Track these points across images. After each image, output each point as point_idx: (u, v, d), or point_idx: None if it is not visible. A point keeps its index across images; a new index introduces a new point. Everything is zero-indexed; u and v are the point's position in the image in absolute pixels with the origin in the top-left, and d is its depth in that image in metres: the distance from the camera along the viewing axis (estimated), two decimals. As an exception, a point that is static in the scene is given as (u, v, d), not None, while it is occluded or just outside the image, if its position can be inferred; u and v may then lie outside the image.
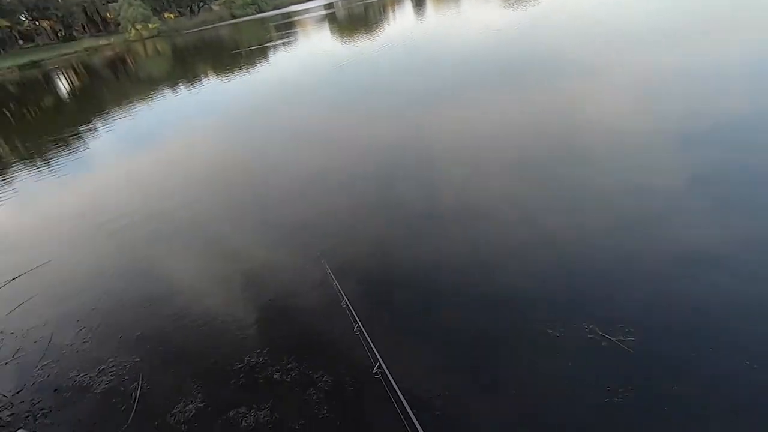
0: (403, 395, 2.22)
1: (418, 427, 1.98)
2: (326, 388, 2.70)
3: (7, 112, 19.90)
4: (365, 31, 21.46)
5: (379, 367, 2.41)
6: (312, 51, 19.09)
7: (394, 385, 2.29)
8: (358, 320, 2.83)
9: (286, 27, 33.27)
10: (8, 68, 41.69)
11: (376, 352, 2.54)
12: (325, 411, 2.56)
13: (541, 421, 2.35)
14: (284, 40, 23.62)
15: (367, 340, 2.67)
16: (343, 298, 3.08)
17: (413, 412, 2.08)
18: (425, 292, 3.37)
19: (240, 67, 17.83)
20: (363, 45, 17.09)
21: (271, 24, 40.37)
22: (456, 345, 2.88)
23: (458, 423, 2.39)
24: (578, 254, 3.54)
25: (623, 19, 12.09)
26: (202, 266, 4.35)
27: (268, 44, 23.43)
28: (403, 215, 4.53)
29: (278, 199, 5.48)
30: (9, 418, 2.96)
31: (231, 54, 23.48)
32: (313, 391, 2.69)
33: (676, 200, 3.97)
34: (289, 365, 2.91)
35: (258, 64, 17.98)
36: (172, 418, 2.69)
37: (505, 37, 12.87)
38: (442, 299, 3.27)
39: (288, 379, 2.81)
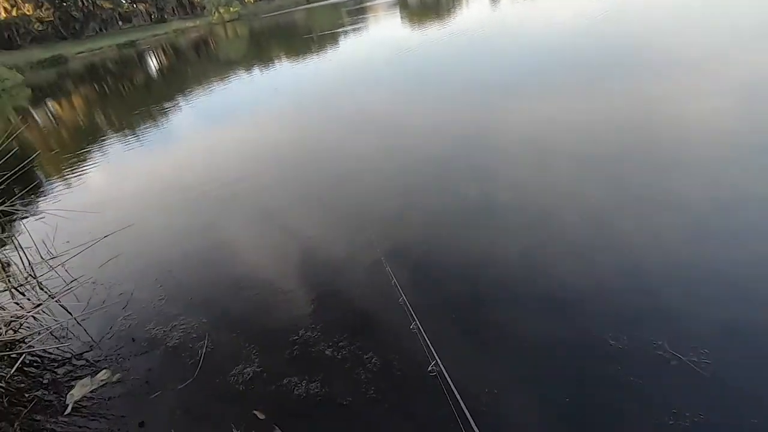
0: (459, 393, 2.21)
1: (474, 426, 1.96)
2: (375, 370, 2.76)
3: (105, 87, 22.09)
4: (437, 17, 21.05)
5: (435, 365, 2.41)
6: (381, 36, 19.11)
7: (450, 383, 2.28)
8: (414, 318, 2.82)
9: (358, 12, 33.51)
10: (108, 47, 46.14)
11: (433, 350, 2.52)
12: (373, 392, 2.61)
13: (596, 434, 2.23)
14: (355, 26, 23.85)
15: (423, 337, 2.66)
16: (401, 296, 3.06)
17: (469, 412, 2.07)
18: (483, 291, 3.30)
19: (310, 51, 18.31)
20: (434, 32, 16.79)
21: (343, 9, 40.89)
22: (513, 348, 2.80)
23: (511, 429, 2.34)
24: (653, 264, 3.27)
25: (729, 9, 10.80)
26: (266, 240, 4.59)
27: (338, 29, 23.78)
28: (466, 209, 4.44)
29: (341, 182, 5.61)
30: (94, 359, 3.34)
31: (303, 38, 24.15)
32: (362, 372, 2.76)
33: (776, 215, 3.53)
34: (341, 343, 3.00)
35: (327, 49, 18.34)
36: (232, 378, 2.89)
37: (594, 26, 12.02)
38: (500, 299, 3.18)
39: (339, 357, 2.90)
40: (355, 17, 29.42)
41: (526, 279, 3.35)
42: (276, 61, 18.66)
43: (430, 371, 2.45)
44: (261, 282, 3.88)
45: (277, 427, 2.47)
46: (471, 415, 2.08)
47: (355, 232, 4.38)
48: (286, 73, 15.12)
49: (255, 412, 2.61)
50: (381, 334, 3.07)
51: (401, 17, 25.56)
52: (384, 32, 20.52)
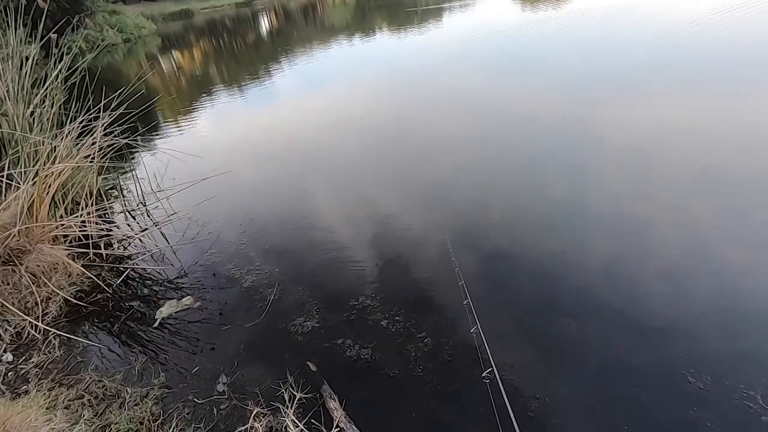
0: (508, 399, 2.16)
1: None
2: (426, 349, 2.79)
3: (221, 42, 23.93)
4: (552, -1, 19.48)
5: (491, 372, 2.36)
6: (487, 15, 18.19)
7: (498, 379, 2.23)
8: (477, 321, 2.75)
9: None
10: (228, 5, 49.62)
11: (490, 356, 2.46)
12: (420, 371, 2.65)
13: None
14: (461, 2, 22.96)
15: (483, 341, 2.60)
16: (467, 299, 3.00)
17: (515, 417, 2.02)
18: (555, 300, 3.14)
19: (411, 25, 18.07)
20: (545, 14, 15.62)
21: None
22: (579, 366, 2.65)
23: (552, 434, 2.25)
24: (760, 300, 2.85)
25: None
26: (342, 206, 4.77)
27: (444, 4, 23.08)
28: (546, 208, 4.21)
29: (422, 161, 5.58)
30: (182, 285, 3.78)
31: (406, 12, 23.86)
32: (413, 349, 2.80)
33: None
34: (397, 317, 3.07)
35: (429, 24, 17.95)
36: (293, 327, 3.11)
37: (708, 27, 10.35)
38: (574, 313, 3.00)
39: (393, 329, 2.97)
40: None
41: (607, 293, 3.11)
42: (377, 31, 18.74)
43: (483, 377, 2.41)
44: (332, 244, 4.06)
45: (325, 382, 2.62)
46: (516, 421, 2.02)
47: (426, 212, 4.37)
48: (383, 45, 15.15)
49: (308, 363, 2.79)
50: (435, 312, 3.08)
51: (513, -4, 24.04)
52: (490, 10, 19.51)
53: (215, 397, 2.64)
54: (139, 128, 5.73)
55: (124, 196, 5.42)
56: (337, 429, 2.29)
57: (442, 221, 4.15)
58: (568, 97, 7.11)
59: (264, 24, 32.29)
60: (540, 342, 2.80)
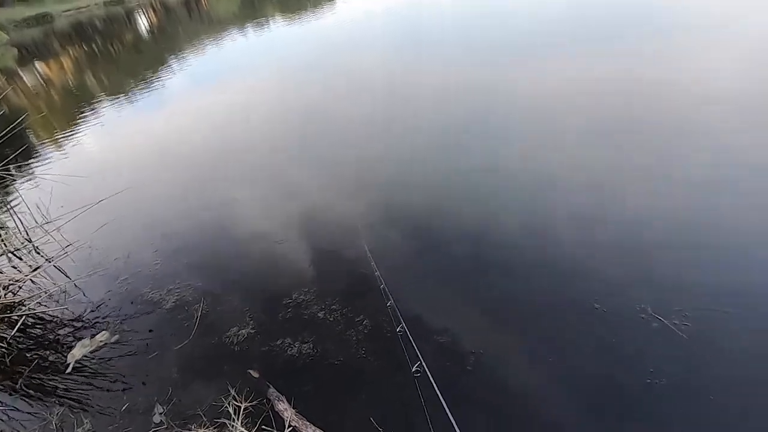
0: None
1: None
2: (365, 331, 2.84)
3: (94, 47, 21.34)
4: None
5: (420, 365, 2.45)
6: (380, -5, 18.30)
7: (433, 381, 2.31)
8: (390, 296, 2.86)
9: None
10: (95, 4, 44.12)
11: (418, 352, 2.53)
12: (363, 352, 2.70)
13: (578, 395, 2.33)
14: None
15: (409, 338, 2.65)
16: (382, 285, 3.07)
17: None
18: (472, 250, 3.36)
19: (305, 10, 17.60)
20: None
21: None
22: (496, 315, 2.89)
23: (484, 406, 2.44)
24: (643, 232, 3.32)
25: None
26: (262, 206, 4.59)
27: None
28: (460, 176, 4.44)
29: (332, 149, 5.55)
30: (93, 321, 3.42)
31: (298, -3, 23.15)
32: (353, 333, 2.84)
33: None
34: (333, 306, 3.07)
35: (324, 8, 17.62)
36: (227, 339, 2.98)
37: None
38: (491, 262, 3.25)
39: (331, 319, 2.98)
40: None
41: (517, 240, 3.40)
42: (267, 21, 17.97)
43: (415, 371, 2.50)
44: (255, 245, 3.92)
45: (270, 386, 2.57)
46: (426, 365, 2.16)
47: (342, 203, 4.39)
48: (278, 35, 14.61)
49: (250, 371, 2.71)
50: (359, 295, 3.15)
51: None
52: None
53: (153, 430, 2.46)
54: (8, 155, 4.97)
55: (1, 237, 4.70)
56: (290, 429, 2.27)
57: (356, 212, 4.19)
58: (468, 66, 7.47)
59: (142, 22, 29.32)
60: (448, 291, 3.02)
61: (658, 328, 2.55)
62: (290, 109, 7.31)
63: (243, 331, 3.02)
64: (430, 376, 2.28)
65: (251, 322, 3.09)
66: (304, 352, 2.78)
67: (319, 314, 3.03)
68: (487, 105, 5.94)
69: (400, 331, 2.70)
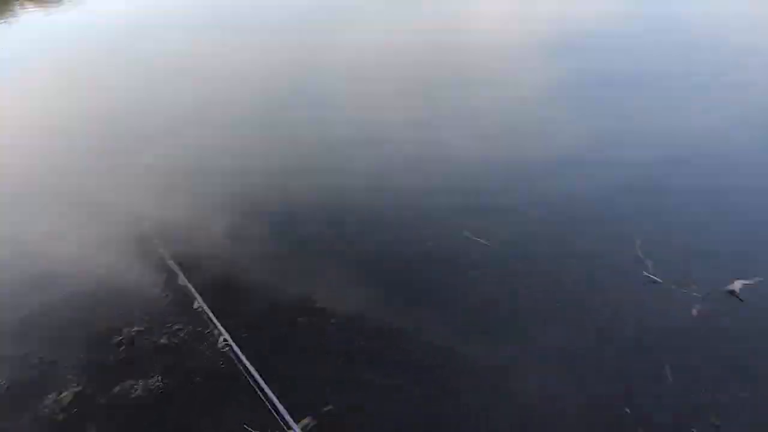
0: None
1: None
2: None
3: None
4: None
5: (225, 341, 2.48)
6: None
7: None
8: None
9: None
10: None
11: (222, 329, 2.59)
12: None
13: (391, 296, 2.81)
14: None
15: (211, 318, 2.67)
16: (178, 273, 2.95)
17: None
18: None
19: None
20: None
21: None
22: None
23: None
24: (463, 171, 4.08)
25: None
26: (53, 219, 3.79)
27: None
28: (285, 145, 4.70)
29: (136, 144, 4.87)
30: None
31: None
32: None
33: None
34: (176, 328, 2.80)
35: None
36: (45, 409, 2.42)
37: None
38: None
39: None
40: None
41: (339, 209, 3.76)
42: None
43: (222, 347, 2.57)
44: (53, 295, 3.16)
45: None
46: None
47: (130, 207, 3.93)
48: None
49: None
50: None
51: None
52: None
53: None
54: None
55: None
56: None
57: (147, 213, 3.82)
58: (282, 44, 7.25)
59: None
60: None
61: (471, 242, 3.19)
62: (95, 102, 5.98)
63: (65, 393, 2.48)
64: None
65: (74, 379, 2.56)
66: (151, 386, 2.48)
67: (161, 340, 2.72)
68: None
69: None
